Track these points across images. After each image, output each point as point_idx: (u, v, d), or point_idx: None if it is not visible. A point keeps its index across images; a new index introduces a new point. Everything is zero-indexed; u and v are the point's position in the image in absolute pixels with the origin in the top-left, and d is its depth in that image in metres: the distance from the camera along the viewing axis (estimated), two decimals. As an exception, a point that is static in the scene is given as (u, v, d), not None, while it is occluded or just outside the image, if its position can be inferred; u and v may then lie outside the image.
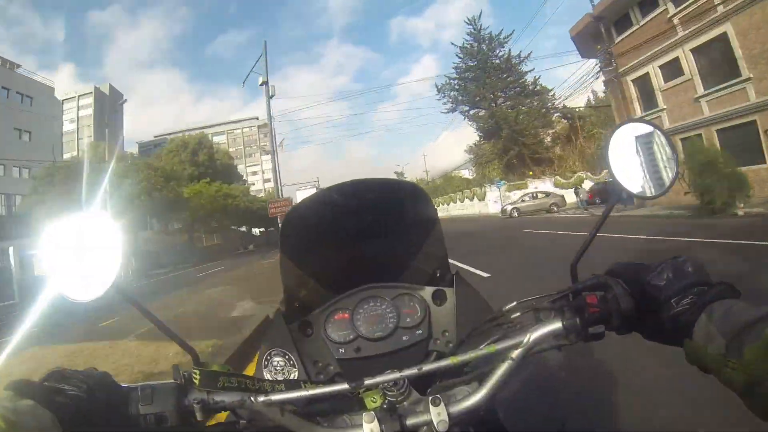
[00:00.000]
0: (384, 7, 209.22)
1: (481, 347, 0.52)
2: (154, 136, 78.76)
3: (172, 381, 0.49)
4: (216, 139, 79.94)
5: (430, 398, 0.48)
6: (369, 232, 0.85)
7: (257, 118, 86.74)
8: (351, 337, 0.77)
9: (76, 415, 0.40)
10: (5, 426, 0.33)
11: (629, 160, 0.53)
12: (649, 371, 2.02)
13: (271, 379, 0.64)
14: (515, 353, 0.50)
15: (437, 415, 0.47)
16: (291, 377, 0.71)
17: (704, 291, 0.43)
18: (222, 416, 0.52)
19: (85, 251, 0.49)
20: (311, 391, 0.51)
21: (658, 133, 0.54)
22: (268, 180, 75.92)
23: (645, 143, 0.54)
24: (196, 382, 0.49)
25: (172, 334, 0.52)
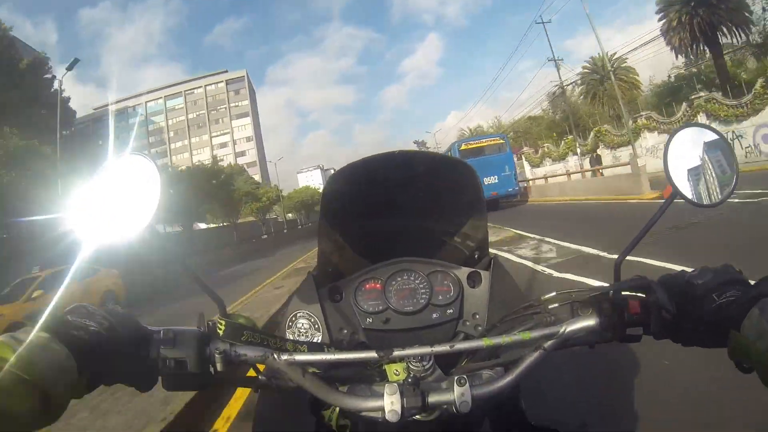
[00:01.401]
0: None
1: (514, 333, 0.52)
2: (94, 109, 57.43)
3: (196, 328, 0.49)
4: (171, 103, 62.85)
5: (456, 378, 0.48)
6: (411, 205, 0.84)
7: (226, 71, 66.92)
8: (381, 307, 0.76)
9: (93, 351, 0.40)
10: (15, 361, 0.33)
11: (687, 165, 0.53)
12: (682, 380, 1.95)
13: (294, 339, 0.65)
14: (548, 344, 0.50)
15: (461, 395, 0.47)
16: (314, 340, 0.71)
17: (750, 288, 0.43)
18: (239, 368, 0.52)
19: (120, 192, 0.49)
20: (336, 356, 0.50)
21: (719, 139, 0.53)
22: (242, 153, 58.94)
23: (705, 149, 0.53)
24: (220, 332, 0.49)
25: (201, 283, 0.52)
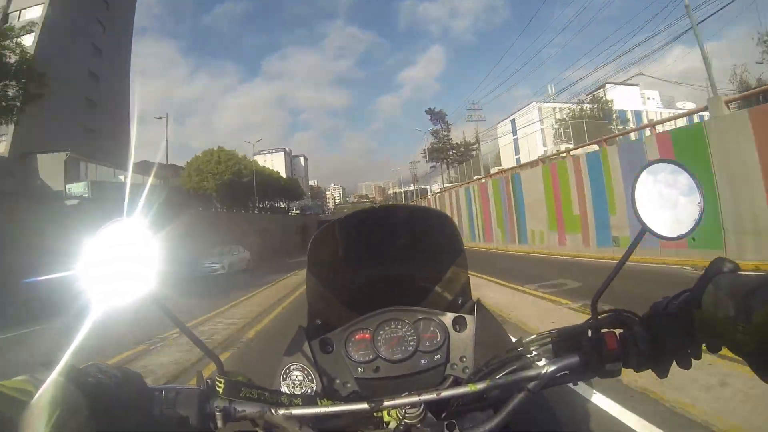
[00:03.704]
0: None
1: (498, 376, 0.61)
2: None
3: (196, 386, 0.59)
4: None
5: (446, 423, 0.59)
6: (395, 256, 1.00)
7: None
8: (371, 357, 0.90)
9: (102, 403, 0.47)
10: (36, 397, 0.41)
11: (655, 200, 0.61)
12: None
13: (288, 392, 0.75)
14: (531, 384, 0.59)
15: None
16: (308, 392, 0.81)
17: (706, 269, 0.51)
18: (239, 424, 0.62)
19: (120, 258, 0.56)
20: (330, 408, 0.60)
21: (686, 173, 0.61)
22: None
23: (672, 183, 0.61)
24: (220, 390, 0.58)
25: (199, 343, 0.61)
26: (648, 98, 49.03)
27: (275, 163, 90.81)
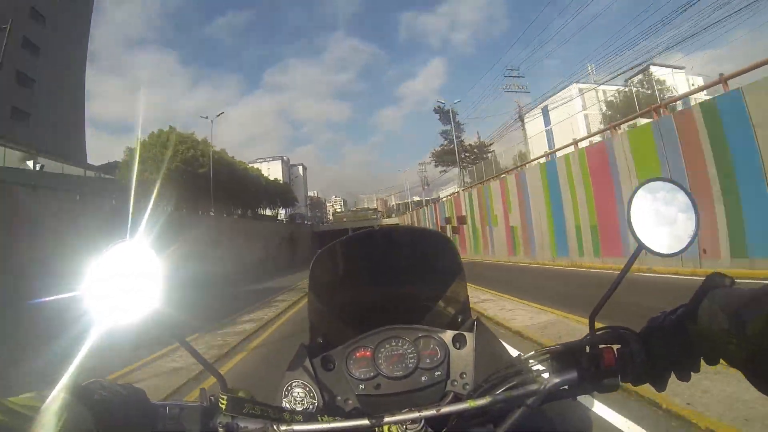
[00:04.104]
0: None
1: (497, 392, 0.62)
2: None
3: (199, 403, 0.59)
4: None
5: None
6: (395, 275, 1.03)
7: None
8: (372, 374, 0.90)
9: (108, 420, 0.48)
10: (42, 414, 0.42)
11: (650, 217, 0.62)
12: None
13: (290, 409, 0.74)
14: (530, 400, 0.60)
15: None
16: (310, 408, 0.81)
17: (702, 284, 0.51)
18: None
19: (125, 278, 0.57)
20: (332, 425, 0.60)
21: (681, 191, 0.62)
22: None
23: (667, 201, 0.62)
24: (223, 406, 0.58)
25: (202, 361, 0.63)
26: (692, 84, 42.59)
27: (272, 172, 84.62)
